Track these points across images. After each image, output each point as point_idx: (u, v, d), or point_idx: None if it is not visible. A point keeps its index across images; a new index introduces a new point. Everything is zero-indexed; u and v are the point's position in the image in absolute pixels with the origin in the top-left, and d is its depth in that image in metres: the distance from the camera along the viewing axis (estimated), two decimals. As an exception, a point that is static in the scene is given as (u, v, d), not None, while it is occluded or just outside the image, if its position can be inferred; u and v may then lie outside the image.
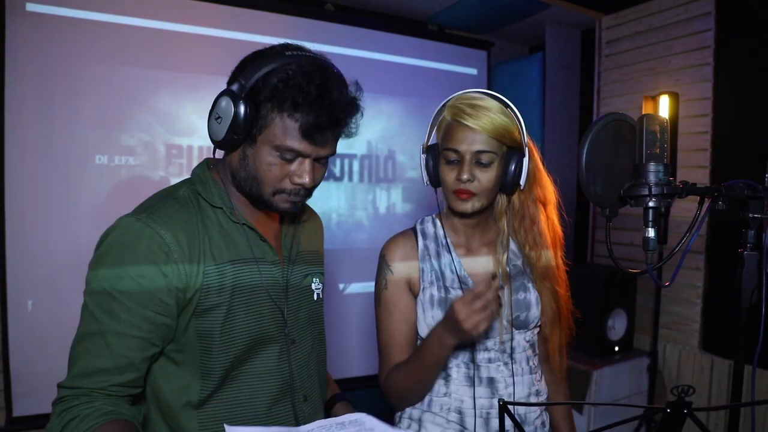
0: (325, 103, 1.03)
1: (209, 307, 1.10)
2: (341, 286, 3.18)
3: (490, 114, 1.31)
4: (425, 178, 1.45)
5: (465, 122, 1.32)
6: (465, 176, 1.32)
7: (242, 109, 1.03)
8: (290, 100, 1.02)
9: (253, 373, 1.16)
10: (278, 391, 1.20)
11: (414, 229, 1.52)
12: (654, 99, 2.84)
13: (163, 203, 1.12)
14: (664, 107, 2.80)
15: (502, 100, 1.36)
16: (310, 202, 1.30)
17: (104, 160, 2.59)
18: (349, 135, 1.16)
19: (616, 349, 3.07)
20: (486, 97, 1.36)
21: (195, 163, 2.77)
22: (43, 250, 2.48)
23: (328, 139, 1.09)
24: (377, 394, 1.90)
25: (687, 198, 1.23)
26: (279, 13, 2.97)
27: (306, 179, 1.09)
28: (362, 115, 1.14)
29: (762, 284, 1.22)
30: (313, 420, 1.21)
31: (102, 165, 2.59)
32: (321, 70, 1.06)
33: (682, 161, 3.01)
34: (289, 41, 1.12)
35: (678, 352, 3.11)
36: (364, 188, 3.29)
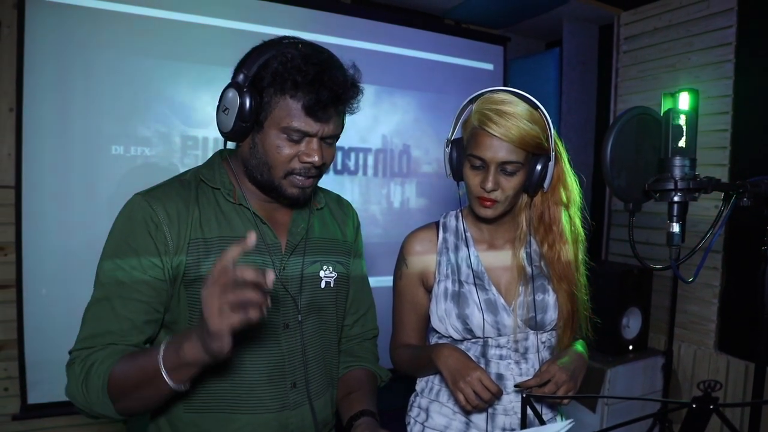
0: (324, 80, 1.06)
1: (195, 277, 1.13)
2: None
3: (517, 122, 1.28)
4: (448, 170, 1.44)
5: (491, 131, 1.29)
6: (489, 185, 1.31)
7: (247, 97, 1.08)
8: (290, 81, 1.06)
9: (237, 351, 1.14)
10: (264, 375, 1.18)
11: (438, 222, 1.54)
12: (673, 96, 2.80)
13: (166, 183, 1.22)
14: (683, 105, 2.76)
15: (532, 101, 1.32)
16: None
17: (120, 150, 2.60)
18: (351, 112, 1.19)
19: (631, 347, 3.05)
20: (514, 99, 1.32)
21: (210, 154, 2.77)
22: (59, 240, 2.49)
23: (331, 116, 1.12)
24: (394, 389, 1.88)
25: (703, 197, 1.21)
26: (297, 5, 2.97)
27: (315, 158, 1.12)
28: (363, 94, 1.18)
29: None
30: (300, 408, 1.21)
31: (118, 156, 2.59)
32: (318, 53, 1.11)
33: (700, 159, 2.91)
34: (293, 33, 1.17)
35: (693, 351, 3.08)
36: (378, 182, 3.27)
